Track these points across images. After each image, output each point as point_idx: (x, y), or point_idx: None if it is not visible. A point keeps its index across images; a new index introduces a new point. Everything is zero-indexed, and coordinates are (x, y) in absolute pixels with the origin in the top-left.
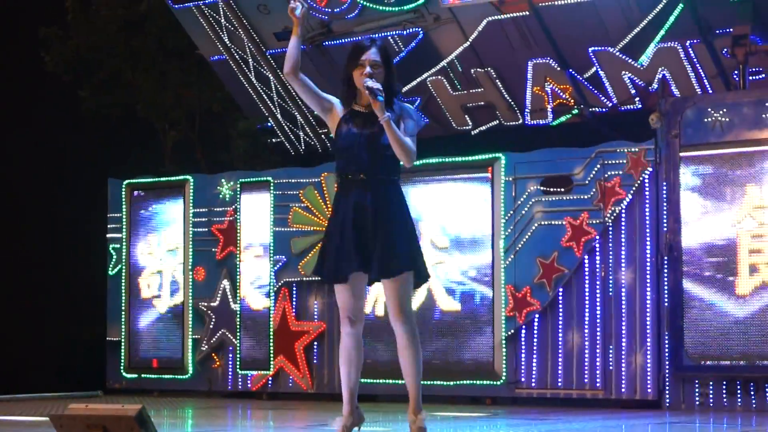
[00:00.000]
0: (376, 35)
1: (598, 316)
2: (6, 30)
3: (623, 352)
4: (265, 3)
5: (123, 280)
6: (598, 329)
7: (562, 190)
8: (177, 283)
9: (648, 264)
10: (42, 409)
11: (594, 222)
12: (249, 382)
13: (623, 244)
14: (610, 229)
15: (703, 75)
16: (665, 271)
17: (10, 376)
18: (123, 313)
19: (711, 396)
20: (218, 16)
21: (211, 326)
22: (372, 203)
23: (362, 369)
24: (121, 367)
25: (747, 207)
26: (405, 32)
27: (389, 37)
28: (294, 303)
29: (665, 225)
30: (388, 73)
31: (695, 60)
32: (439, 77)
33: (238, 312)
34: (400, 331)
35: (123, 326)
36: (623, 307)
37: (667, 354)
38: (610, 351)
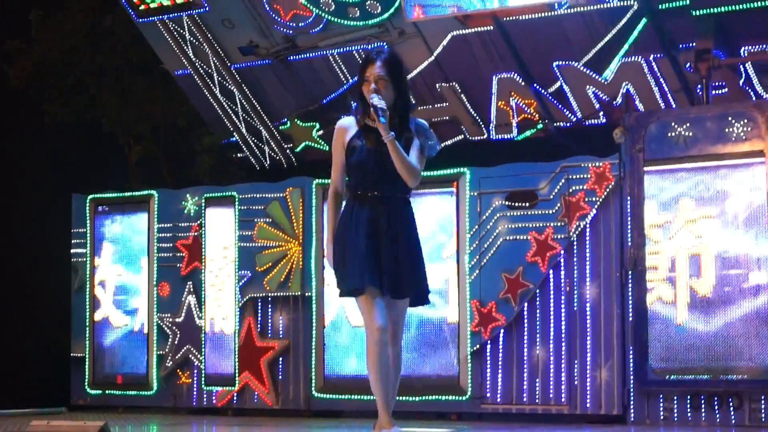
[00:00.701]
0: (342, 49)
1: (563, 331)
2: None
3: (588, 367)
4: (230, 17)
5: (87, 296)
6: (563, 344)
7: (527, 204)
8: (142, 299)
9: (613, 278)
10: (4, 426)
11: (559, 237)
12: (214, 398)
13: (588, 258)
14: (575, 243)
15: (666, 89)
16: (630, 285)
17: None
18: (87, 329)
19: (675, 410)
20: (183, 31)
21: (175, 342)
22: (386, 220)
23: (327, 385)
24: (86, 383)
25: (706, 220)
26: (370, 47)
27: (354, 52)
28: (259, 319)
29: (629, 239)
30: (398, 86)
31: (659, 74)
32: None
33: (203, 328)
34: (395, 350)
35: (87, 342)
36: (588, 321)
37: (631, 369)
38: (575, 366)
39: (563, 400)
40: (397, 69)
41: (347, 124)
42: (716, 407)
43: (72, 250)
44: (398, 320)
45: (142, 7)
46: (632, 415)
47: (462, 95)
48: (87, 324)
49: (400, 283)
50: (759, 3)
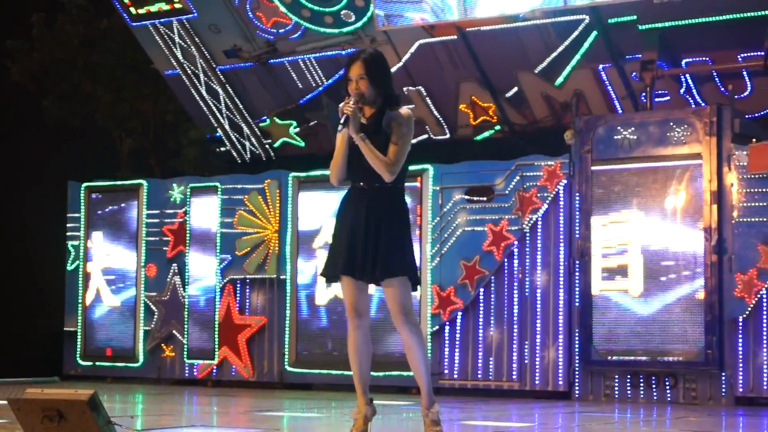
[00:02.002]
0: (318, 54)
1: (516, 314)
2: None
3: (537, 347)
4: (216, 23)
5: (80, 275)
6: (515, 326)
7: (485, 199)
8: (130, 279)
9: (561, 267)
10: (2, 393)
11: (513, 228)
12: (195, 370)
13: (539, 248)
14: (528, 235)
15: (614, 96)
16: (577, 273)
17: None
18: (80, 305)
19: (616, 388)
20: (172, 34)
21: (161, 319)
22: (367, 209)
23: (299, 360)
24: (77, 355)
25: (648, 215)
26: (344, 53)
27: (329, 57)
28: (238, 298)
29: (577, 232)
30: (377, 84)
31: (607, 82)
32: None
33: (186, 306)
34: (403, 332)
35: (80, 317)
36: (538, 306)
37: (577, 349)
38: (526, 346)
39: (514, 376)
40: (376, 68)
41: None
42: (654, 386)
43: (67, 233)
44: (396, 302)
45: (136, 11)
46: (577, 391)
47: (427, 98)
48: (80, 301)
49: (375, 268)
50: (699, 19)
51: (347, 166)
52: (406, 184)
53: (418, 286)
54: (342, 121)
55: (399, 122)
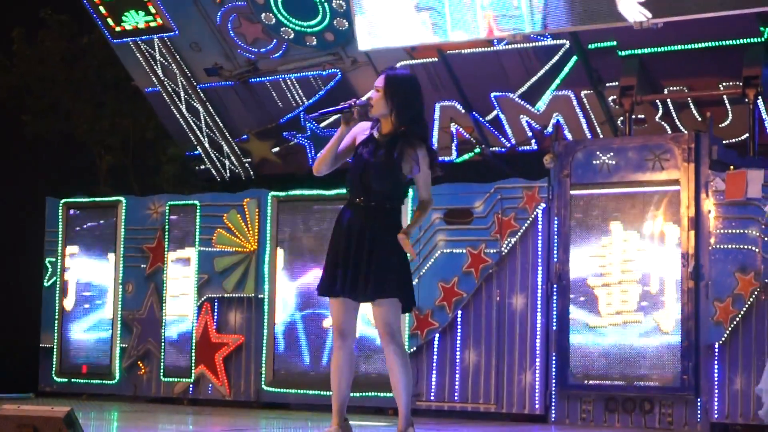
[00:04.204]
0: (299, 74)
1: (493, 337)
2: None
3: (514, 370)
4: (197, 41)
5: (57, 292)
6: (493, 348)
7: (464, 221)
8: (108, 296)
9: (539, 291)
10: None
11: (491, 251)
12: (172, 388)
13: (517, 272)
14: (506, 257)
15: (593, 121)
16: (554, 297)
17: None
18: (56, 321)
19: (593, 412)
20: (153, 52)
21: (138, 336)
22: (361, 227)
23: (276, 379)
24: (53, 372)
25: (626, 241)
26: (324, 73)
27: (310, 77)
28: (215, 317)
29: (555, 256)
30: (392, 101)
31: (586, 107)
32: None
33: (163, 324)
34: (388, 351)
35: (56, 334)
36: (516, 329)
37: (554, 373)
38: (503, 368)
39: (491, 399)
40: (395, 86)
41: (365, 126)
42: (630, 411)
43: (45, 249)
44: (385, 321)
45: (117, 28)
46: (553, 415)
47: None
48: (56, 317)
49: (364, 288)
50: (678, 47)
51: (349, 182)
52: None
53: (413, 308)
54: (340, 107)
55: (421, 157)
